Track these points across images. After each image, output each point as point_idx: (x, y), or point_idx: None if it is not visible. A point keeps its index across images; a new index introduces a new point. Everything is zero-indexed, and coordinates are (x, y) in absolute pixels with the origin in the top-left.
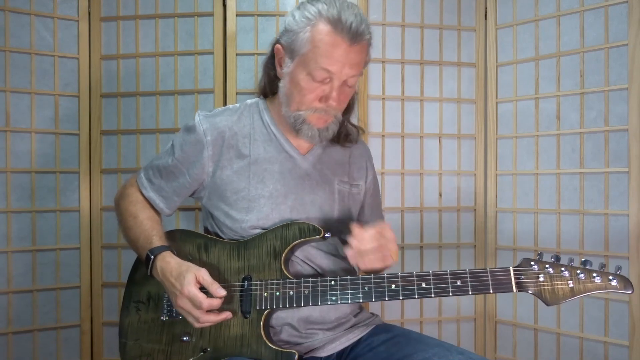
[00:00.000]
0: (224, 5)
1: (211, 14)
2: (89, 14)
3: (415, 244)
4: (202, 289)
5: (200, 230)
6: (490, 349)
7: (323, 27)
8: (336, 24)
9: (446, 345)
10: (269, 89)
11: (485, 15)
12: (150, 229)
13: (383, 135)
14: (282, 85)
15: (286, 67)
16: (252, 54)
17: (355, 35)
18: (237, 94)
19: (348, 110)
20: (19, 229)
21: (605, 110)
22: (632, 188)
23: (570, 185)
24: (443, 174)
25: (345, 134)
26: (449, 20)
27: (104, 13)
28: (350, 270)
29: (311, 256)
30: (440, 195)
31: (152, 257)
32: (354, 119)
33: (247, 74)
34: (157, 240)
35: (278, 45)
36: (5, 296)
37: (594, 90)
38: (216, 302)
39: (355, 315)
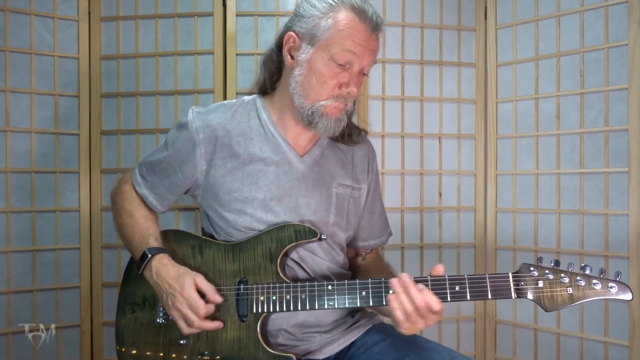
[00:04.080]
0: (224, 5)
1: (211, 14)
2: (89, 14)
3: (415, 244)
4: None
5: (199, 231)
6: (490, 349)
7: (347, 14)
8: (360, 12)
9: (439, 349)
10: (268, 84)
11: (485, 15)
12: (146, 229)
13: (383, 135)
14: (298, 73)
15: (304, 54)
16: (252, 54)
17: (377, 25)
18: (237, 94)
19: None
20: (19, 229)
21: (605, 110)
22: (632, 188)
23: (570, 185)
24: (443, 174)
25: (348, 133)
26: (449, 20)
27: (104, 13)
28: (344, 276)
29: (305, 259)
30: (440, 195)
31: (149, 255)
32: (354, 119)
33: (247, 74)
34: (154, 242)
35: (291, 33)
36: (5, 296)
37: (594, 90)
38: (212, 309)
39: (352, 316)
